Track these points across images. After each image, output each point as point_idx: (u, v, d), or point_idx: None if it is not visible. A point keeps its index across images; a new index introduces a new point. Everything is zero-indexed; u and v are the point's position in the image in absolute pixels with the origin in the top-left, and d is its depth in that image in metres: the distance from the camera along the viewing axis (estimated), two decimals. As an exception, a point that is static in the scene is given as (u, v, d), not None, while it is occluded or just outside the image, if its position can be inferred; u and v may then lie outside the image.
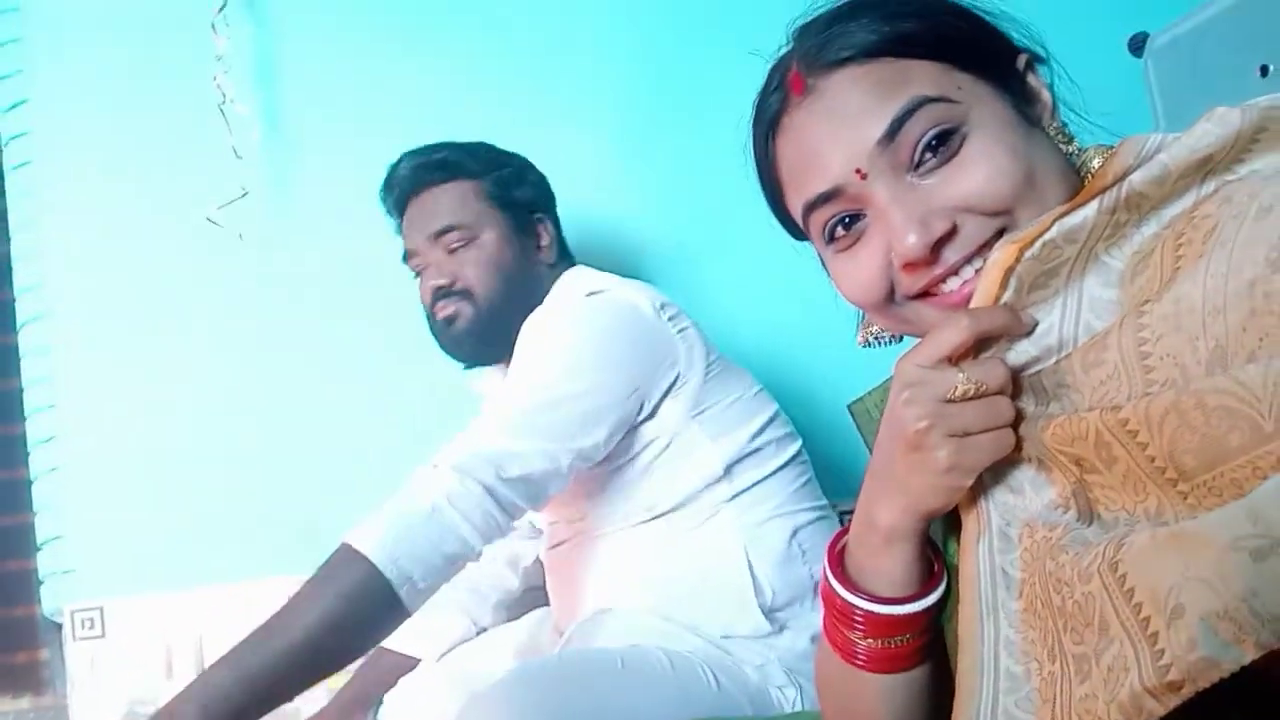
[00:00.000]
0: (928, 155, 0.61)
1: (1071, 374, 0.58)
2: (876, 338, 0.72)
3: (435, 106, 1.82)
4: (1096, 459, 0.54)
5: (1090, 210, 0.57)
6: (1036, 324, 0.60)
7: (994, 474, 0.60)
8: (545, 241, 1.41)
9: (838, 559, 0.66)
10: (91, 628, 1.70)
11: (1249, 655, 0.41)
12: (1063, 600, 0.53)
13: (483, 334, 1.37)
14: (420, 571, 1.06)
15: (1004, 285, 0.59)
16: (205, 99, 1.71)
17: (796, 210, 0.67)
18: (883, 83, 0.62)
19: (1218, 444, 0.47)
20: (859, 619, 0.63)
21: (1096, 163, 0.63)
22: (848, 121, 0.62)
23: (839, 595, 0.64)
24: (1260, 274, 0.49)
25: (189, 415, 1.74)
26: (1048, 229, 0.58)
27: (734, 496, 1.27)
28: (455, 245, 1.37)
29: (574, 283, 1.37)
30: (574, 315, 1.28)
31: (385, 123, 1.80)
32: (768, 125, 0.68)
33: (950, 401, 0.57)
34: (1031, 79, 0.67)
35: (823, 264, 0.70)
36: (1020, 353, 0.60)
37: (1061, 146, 0.65)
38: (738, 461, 1.27)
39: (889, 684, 0.65)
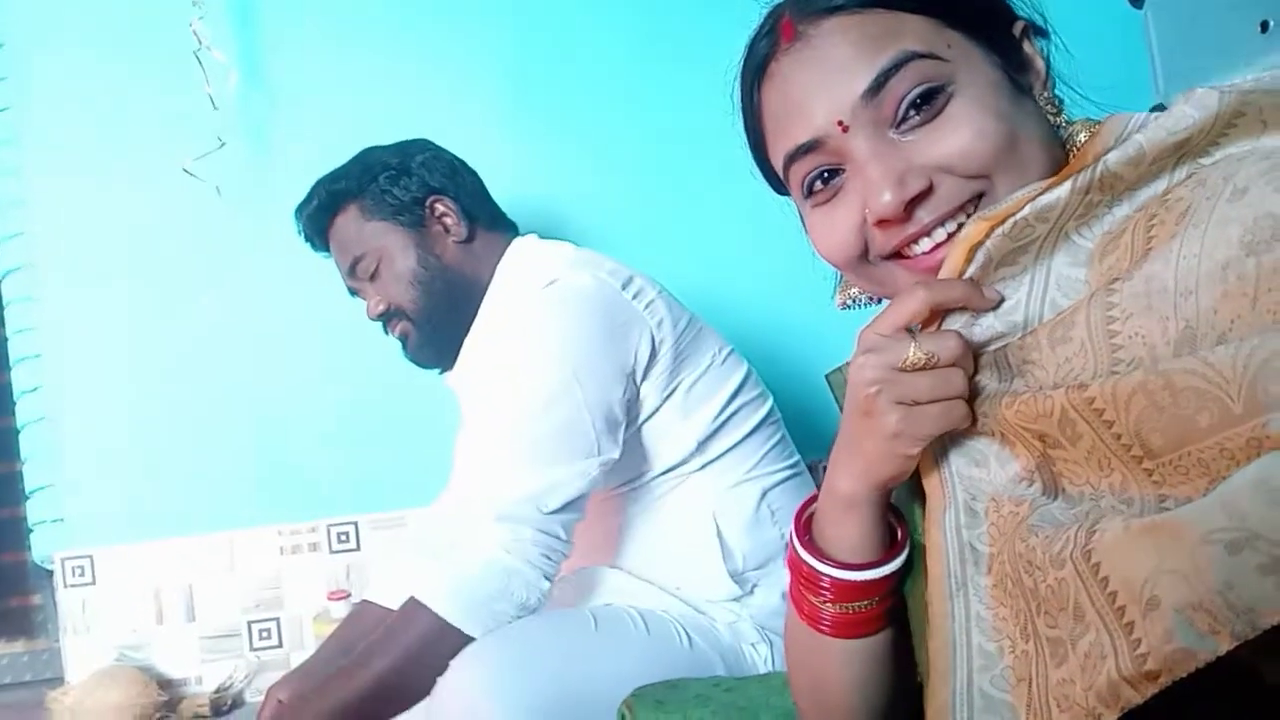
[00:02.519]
0: (911, 112, 0.60)
1: (1038, 349, 0.58)
2: (855, 300, 0.72)
3: (418, 52, 1.79)
4: (1061, 435, 0.54)
5: (1064, 189, 0.57)
6: (1002, 299, 0.60)
7: (958, 448, 0.61)
8: (451, 221, 1.35)
9: (805, 526, 0.67)
10: (82, 575, 1.73)
11: (1224, 646, 0.42)
12: (1035, 583, 0.53)
13: (434, 343, 1.36)
14: (493, 621, 1.11)
15: (969, 260, 0.59)
16: (181, 45, 1.67)
17: (778, 161, 0.67)
18: (871, 35, 0.61)
19: (1186, 424, 0.47)
20: (824, 584, 0.65)
21: (1083, 137, 0.62)
22: (834, 72, 0.61)
23: (804, 561, 0.65)
24: (1233, 255, 0.48)
25: (174, 365, 1.75)
26: (1021, 208, 0.57)
27: (705, 466, 1.27)
28: (370, 273, 1.35)
29: (524, 268, 1.32)
30: (544, 316, 1.23)
31: (367, 70, 1.78)
32: (755, 71, 0.67)
33: (903, 370, 0.58)
34: (1027, 46, 0.66)
35: (801, 219, 0.70)
36: (985, 328, 0.60)
37: (1050, 117, 0.64)
38: (709, 437, 1.27)
39: (851, 649, 0.67)
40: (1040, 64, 0.66)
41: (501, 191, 1.48)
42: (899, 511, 0.67)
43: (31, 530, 1.75)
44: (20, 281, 1.75)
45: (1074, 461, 0.55)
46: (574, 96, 1.82)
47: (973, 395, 0.59)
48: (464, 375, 1.36)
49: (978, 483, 0.60)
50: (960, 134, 0.59)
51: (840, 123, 0.61)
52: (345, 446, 1.75)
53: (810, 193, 0.66)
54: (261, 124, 1.76)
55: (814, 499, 0.68)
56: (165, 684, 1.69)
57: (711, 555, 1.23)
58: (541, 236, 1.42)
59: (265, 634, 1.74)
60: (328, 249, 1.41)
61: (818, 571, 0.65)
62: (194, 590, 1.74)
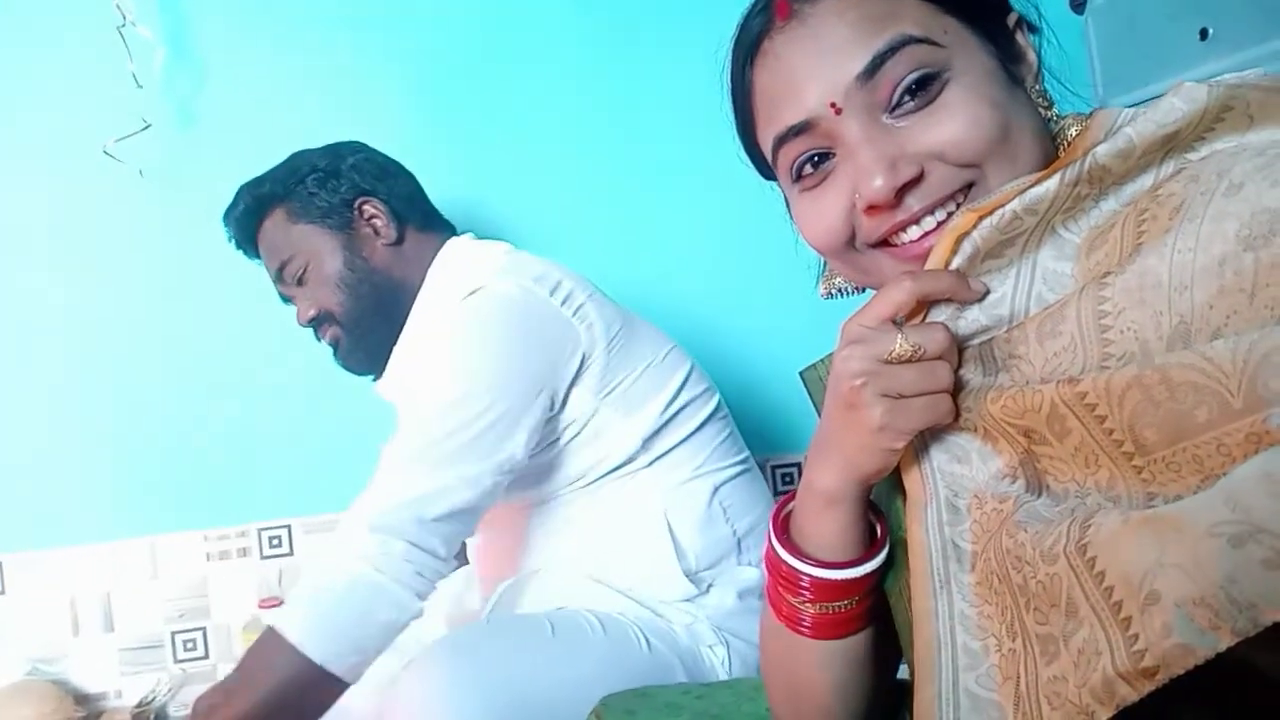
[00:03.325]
0: (906, 98, 0.59)
1: (1025, 343, 0.57)
2: (840, 289, 0.71)
3: (353, 33, 1.72)
4: (1048, 431, 0.54)
5: (1053, 182, 0.56)
6: (987, 291, 0.59)
7: (939, 443, 0.60)
8: (380, 223, 1.32)
9: (783, 525, 0.66)
10: (-12, 583, 1.62)
11: (1225, 642, 0.41)
12: (1024, 579, 0.52)
13: (364, 347, 1.33)
14: (354, 648, 1.03)
15: (955, 251, 0.59)
16: (104, 20, 1.58)
17: (767, 144, 0.65)
18: (869, 16, 0.60)
19: (1183, 419, 0.47)
20: (804, 584, 0.63)
21: (1073, 131, 0.62)
22: (828, 53, 0.60)
23: (783, 560, 0.64)
24: (1230, 251, 0.48)
25: (90, 360, 1.65)
26: (1010, 200, 0.57)
27: (652, 462, 1.25)
28: (297, 276, 1.32)
29: (450, 275, 1.29)
30: (459, 326, 1.20)
31: (300, 47, 1.70)
32: (748, 50, 0.66)
33: (889, 363, 0.57)
34: (1020, 38, 0.65)
35: (787, 205, 0.68)
36: (970, 321, 0.59)
37: (1041, 110, 0.64)
38: (654, 434, 1.25)
39: (831, 650, 0.65)
40: (1032, 57, 0.65)
41: (440, 187, 1.44)
42: (878, 508, 0.67)
43: (-69, 535, 1.64)
44: (-80, 269, 1.63)
45: (1059, 459, 0.54)
46: (519, 90, 1.77)
47: (956, 389, 0.58)
48: (392, 383, 1.33)
49: (959, 479, 0.59)
50: (955, 121, 0.59)
51: (833, 104, 0.60)
52: (277, 447, 1.68)
53: (799, 176, 0.64)
54: (188, 104, 1.67)
55: (791, 497, 0.67)
56: (82, 699, 1.61)
57: (665, 554, 1.21)
58: (480, 236, 1.39)
59: (190, 644, 1.66)
60: (258, 254, 1.38)
61: (797, 571, 0.63)
62: (112, 599, 1.65)
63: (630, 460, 1.24)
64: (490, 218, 1.70)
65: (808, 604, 0.64)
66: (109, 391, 1.65)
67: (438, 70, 1.75)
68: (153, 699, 1.61)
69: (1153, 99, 0.56)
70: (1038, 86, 0.65)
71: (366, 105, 1.71)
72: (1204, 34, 1.50)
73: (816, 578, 0.63)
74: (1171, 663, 0.42)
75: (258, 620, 1.59)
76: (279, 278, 1.35)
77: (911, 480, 0.61)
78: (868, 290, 0.68)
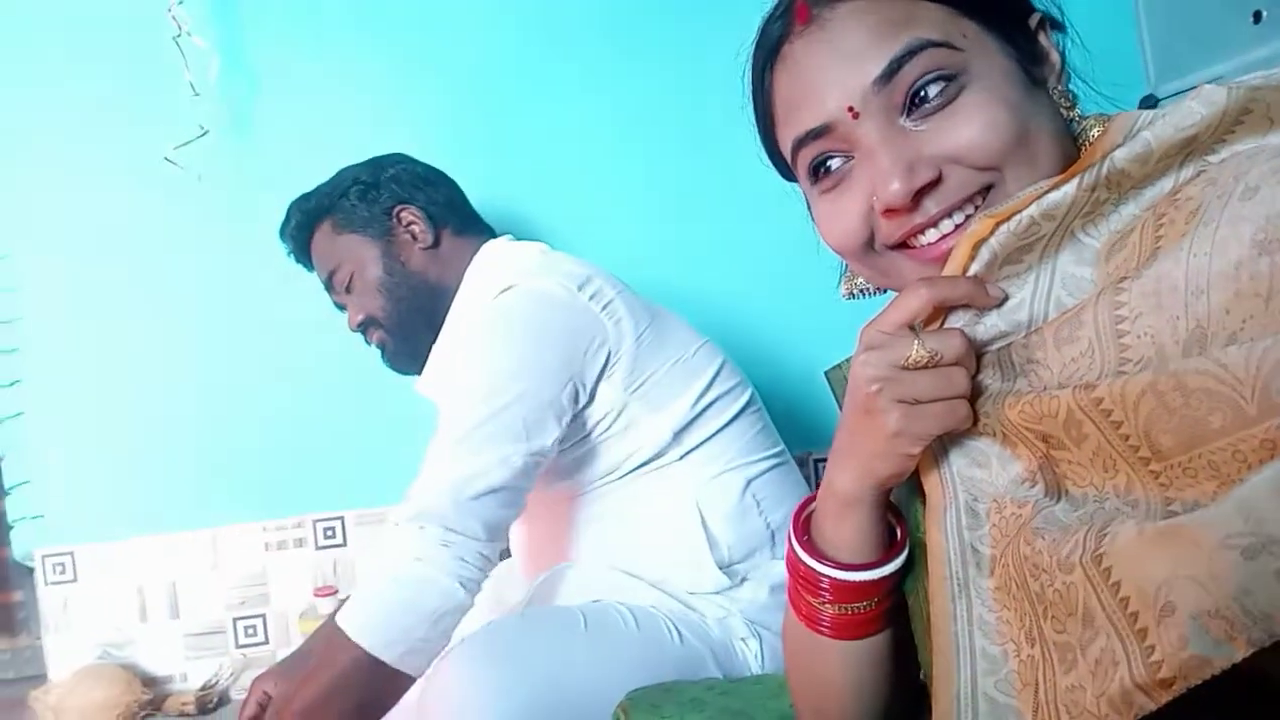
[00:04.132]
0: (923, 101, 0.59)
1: (1043, 349, 0.57)
2: (861, 290, 0.71)
3: (402, 37, 1.75)
4: (1065, 436, 0.54)
5: (1071, 187, 0.56)
6: (1006, 297, 0.59)
7: (959, 448, 0.60)
8: (418, 228, 1.37)
9: (803, 526, 0.67)
10: (63, 572, 1.70)
11: (1240, 653, 0.41)
12: (1041, 587, 0.52)
13: (408, 350, 1.39)
14: (404, 637, 1.07)
15: (973, 256, 0.58)
16: (161, 32, 1.63)
17: (786, 146, 0.66)
18: (887, 20, 0.60)
19: (1198, 425, 0.47)
20: (824, 585, 0.64)
21: (1095, 132, 0.61)
22: (847, 57, 0.61)
23: (802, 561, 0.65)
24: (1246, 255, 0.48)
25: (156, 358, 1.72)
26: (1028, 206, 0.57)
27: (684, 456, 1.26)
28: (345, 285, 1.39)
29: (484, 276, 1.33)
30: (490, 323, 1.24)
31: (351, 56, 1.75)
32: (768, 53, 0.66)
33: (905, 368, 0.57)
34: (1043, 39, 0.65)
35: (808, 207, 0.69)
36: (989, 326, 0.59)
37: (1063, 111, 0.63)
38: (685, 427, 1.26)
39: (851, 650, 0.66)
40: (1055, 57, 0.64)
41: (483, 189, 1.47)
42: (899, 510, 0.67)
43: (11, 527, 1.72)
44: (-2, 273, 1.72)
45: (1078, 463, 0.54)
46: (559, 93, 1.79)
47: (975, 394, 0.58)
48: (429, 381, 1.37)
49: (979, 484, 0.59)
50: (972, 125, 0.59)
51: (851, 109, 0.60)
52: (331, 441, 1.73)
53: (817, 179, 0.65)
54: (242, 110, 1.73)
55: (812, 499, 0.67)
56: (149, 681, 1.68)
57: (697, 546, 1.22)
58: (520, 237, 1.41)
59: (251, 631, 1.72)
60: (313, 266, 1.45)
61: (816, 572, 0.64)
62: (178, 587, 1.72)
63: (661, 454, 1.26)
64: (530, 218, 1.73)
65: (827, 605, 0.64)
66: (173, 390, 1.72)
67: (483, 74, 1.78)
68: (215, 682, 1.68)
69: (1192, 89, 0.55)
70: (1060, 87, 0.64)
71: (412, 109, 1.75)
72: (1258, 17, 1.45)
73: (835, 579, 0.63)
74: (1188, 673, 0.43)
75: (314, 609, 1.64)
76: (329, 286, 1.42)
77: (931, 484, 0.61)
78: (889, 291, 0.68)
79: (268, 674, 1.25)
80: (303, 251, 1.44)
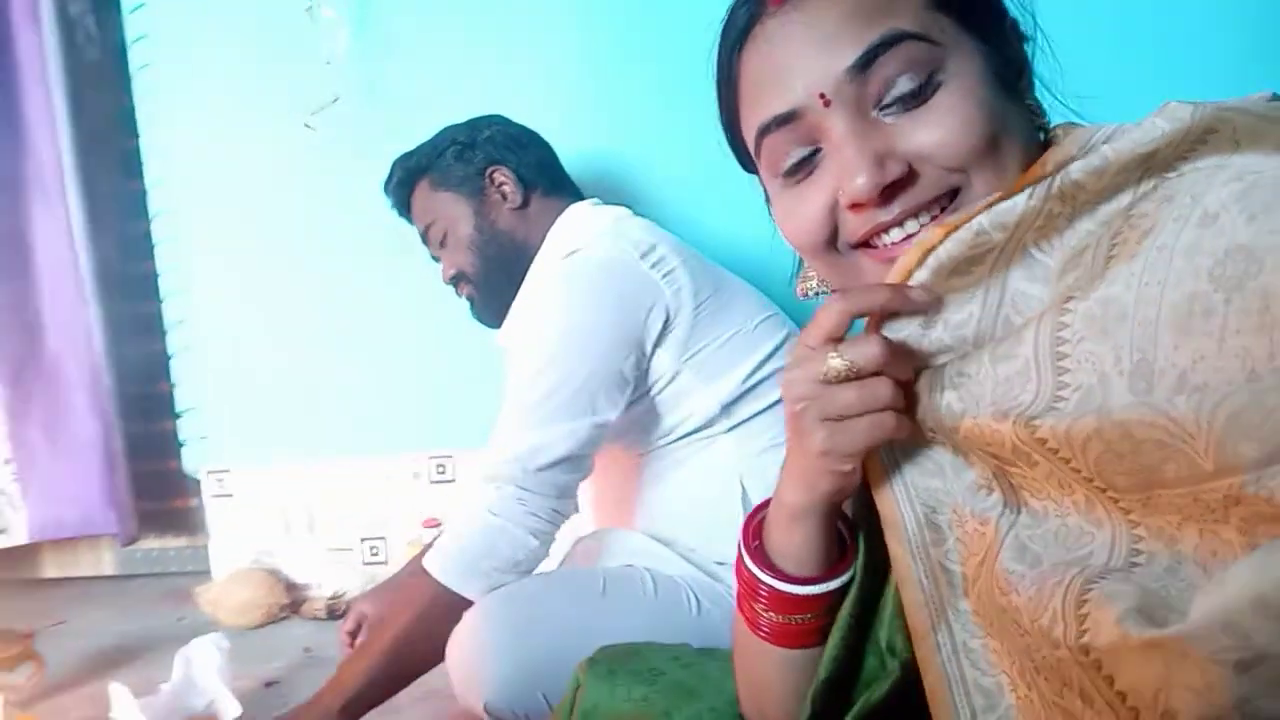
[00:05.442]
0: (897, 95, 0.57)
1: (978, 363, 0.55)
2: (815, 290, 0.69)
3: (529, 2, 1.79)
4: (1016, 459, 0.52)
5: (1021, 198, 0.54)
6: (938, 300, 0.57)
7: (910, 459, 0.59)
8: (508, 189, 1.41)
9: (754, 532, 0.66)
10: (222, 487, 1.96)
11: None
12: (1027, 647, 0.51)
13: (493, 305, 1.44)
14: (483, 578, 1.18)
15: (921, 264, 0.56)
16: (295, 3, 1.77)
17: (750, 133, 0.63)
18: (864, 8, 0.57)
19: (1152, 472, 0.46)
20: (763, 593, 0.64)
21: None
22: (821, 42, 0.58)
23: (746, 568, 0.65)
24: (1201, 289, 0.45)
25: (298, 309, 1.92)
26: (978, 214, 0.55)
27: (732, 428, 1.28)
28: (439, 240, 1.45)
29: (559, 237, 1.38)
30: (552, 287, 1.29)
31: (475, 24, 1.80)
32: (737, 34, 0.63)
33: (829, 383, 0.56)
34: (1016, 44, 0.62)
35: (766, 199, 0.66)
36: (934, 340, 0.57)
37: (1033, 119, 0.61)
38: (734, 401, 1.28)
39: (790, 657, 0.66)
40: (1026, 65, 0.62)
41: (592, 154, 1.49)
42: (855, 524, 0.66)
43: (183, 444, 2.00)
44: (167, 224, 1.95)
45: (1033, 479, 0.53)
46: (677, 61, 1.77)
47: (911, 404, 0.57)
48: (507, 334, 1.43)
49: (935, 493, 0.58)
50: (945, 123, 0.56)
51: (822, 96, 0.58)
52: (447, 385, 1.87)
53: (781, 170, 0.62)
54: (371, 78, 1.83)
55: (765, 505, 0.67)
56: (291, 587, 1.92)
57: (734, 518, 1.22)
58: (621, 202, 1.45)
59: (374, 551, 1.93)
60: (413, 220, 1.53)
61: (757, 579, 0.64)
62: (314, 509, 1.94)
63: (710, 424, 1.28)
64: (636, 182, 1.75)
65: (765, 611, 0.64)
66: (315, 337, 1.91)
67: (605, 41, 1.78)
68: (344, 593, 1.90)
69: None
70: (1030, 96, 0.61)
71: (530, 74, 1.79)
72: None
73: (774, 589, 0.63)
74: None
75: (420, 538, 1.81)
76: (425, 241, 1.49)
77: (884, 500, 0.60)
78: None
79: (365, 597, 1.42)
80: (403, 206, 1.50)
